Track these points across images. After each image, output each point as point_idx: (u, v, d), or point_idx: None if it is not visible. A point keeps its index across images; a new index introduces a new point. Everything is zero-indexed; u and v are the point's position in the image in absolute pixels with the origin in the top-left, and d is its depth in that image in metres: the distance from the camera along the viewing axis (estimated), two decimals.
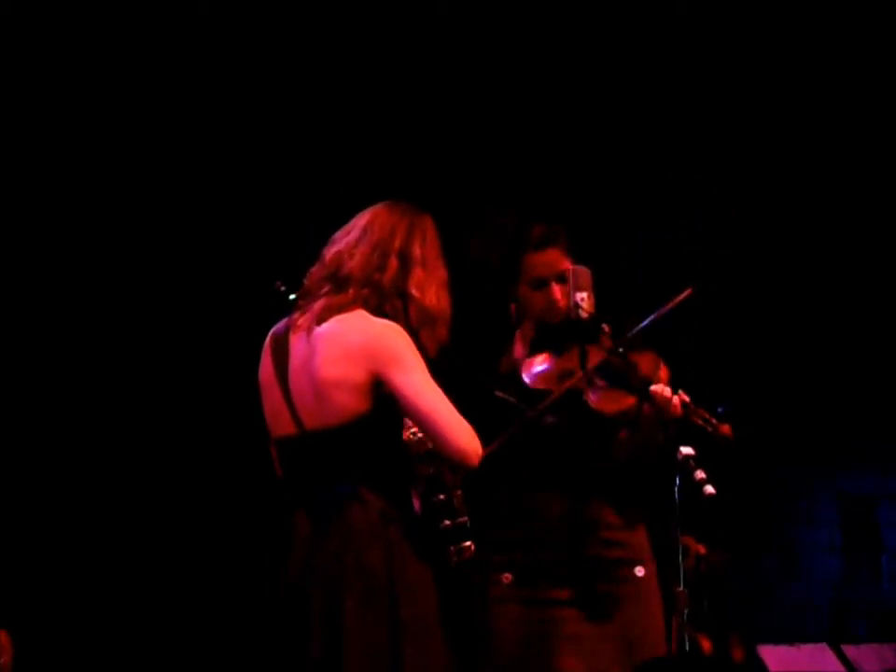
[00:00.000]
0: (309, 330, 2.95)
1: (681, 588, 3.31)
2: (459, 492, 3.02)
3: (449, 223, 3.18)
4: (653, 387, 3.31)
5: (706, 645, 5.00)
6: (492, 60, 5.36)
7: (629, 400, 3.35)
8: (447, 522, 2.99)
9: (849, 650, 5.18)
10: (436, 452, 2.92)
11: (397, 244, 3.01)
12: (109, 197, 5.18)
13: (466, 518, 3.01)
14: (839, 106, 5.69)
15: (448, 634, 2.90)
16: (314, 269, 3.06)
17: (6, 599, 4.81)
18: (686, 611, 3.33)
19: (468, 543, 3.01)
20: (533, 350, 3.52)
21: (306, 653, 2.84)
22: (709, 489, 3.05)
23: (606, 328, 3.39)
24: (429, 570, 2.90)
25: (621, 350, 3.34)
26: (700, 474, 3.08)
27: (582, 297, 3.38)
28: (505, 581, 3.47)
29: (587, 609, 3.41)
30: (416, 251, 3.01)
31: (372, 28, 5.20)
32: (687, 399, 3.28)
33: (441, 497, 3.00)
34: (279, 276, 3.18)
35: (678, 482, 3.22)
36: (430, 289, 3.00)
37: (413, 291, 2.97)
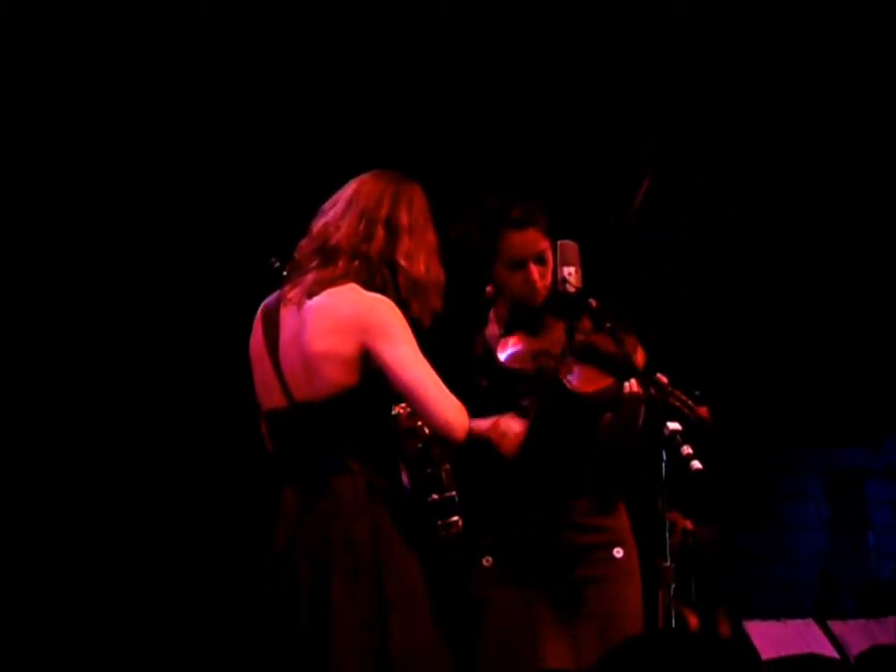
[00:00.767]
0: (299, 304, 2.95)
1: (668, 563, 3.32)
2: (448, 466, 3.02)
3: (438, 207, 3.17)
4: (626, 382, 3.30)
5: (692, 620, 5.00)
6: (490, 56, 5.34)
7: (607, 381, 3.34)
8: (435, 496, 2.99)
9: (836, 625, 5.18)
10: (424, 426, 2.92)
11: (383, 212, 2.99)
12: (99, 174, 5.16)
13: (454, 493, 3.01)
14: (839, 106, 5.70)
15: (435, 608, 2.90)
16: (303, 242, 3.05)
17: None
18: (673, 587, 3.34)
19: (455, 518, 3.00)
20: (508, 330, 3.51)
21: (293, 626, 2.85)
22: (696, 464, 3.04)
23: (593, 303, 3.37)
24: (417, 544, 2.91)
25: (608, 325, 3.34)
26: (687, 449, 3.07)
27: (570, 271, 3.37)
28: (486, 564, 3.46)
29: (567, 591, 3.41)
30: (403, 219, 2.99)
31: (359, 14, 5.18)
32: (665, 380, 3.26)
33: (429, 471, 3.00)
34: (273, 253, 3.17)
35: (665, 457, 3.22)
36: (419, 258, 2.98)
37: (401, 260, 2.96)
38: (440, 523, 3.00)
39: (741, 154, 5.83)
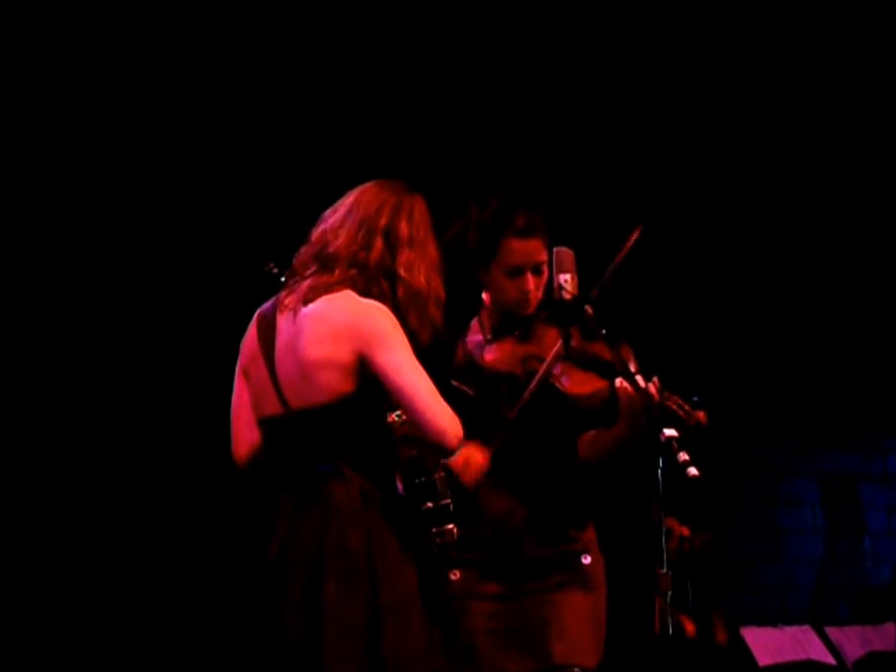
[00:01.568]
0: (295, 310, 2.93)
1: (665, 570, 3.31)
2: (442, 474, 3.01)
3: (440, 213, 3.15)
4: (616, 382, 3.28)
5: (689, 627, 5.01)
6: (489, 56, 5.34)
7: (601, 384, 3.33)
8: (429, 504, 2.98)
9: (833, 632, 5.20)
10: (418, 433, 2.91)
11: (382, 222, 2.97)
12: (99, 178, 5.15)
13: (448, 501, 3.00)
14: (839, 107, 5.70)
15: (428, 615, 2.89)
16: (302, 249, 3.04)
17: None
18: (669, 593, 3.33)
19: (450, 526, 3.00)
20: (496, 336, 3.49)
21: (286, 632, 2.84)
22: (693, 471, 3.03)
23: (589, 310, 3.36)
24: (410, 552, 2.89)
25: (603, 332, 3.32)
26: (683, 456, 3.05)
27: (566, 278, 3.36)
28: (453, 577, 3.44)
29: (536, 600, 3.38)
30: (403, 230, 2.96)
31: (361, 16, 5.17)
32: (658, 384, 3.25)
33: (424, 479, 2.99)
34: (272, 258, 3.16)
35: (661, 463, 3.21)
36: (419, 270, 2.95)
37: (401, 272, 2.94)
38: (434, 530, 2.99)
39: (739, 154, 5.83)
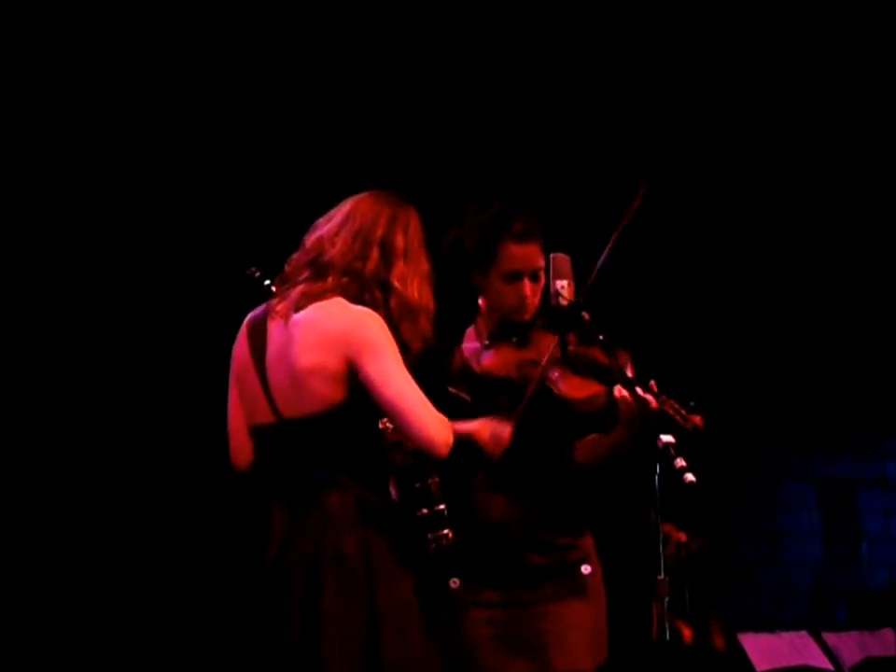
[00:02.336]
0: (287, 317, 2.93)
1: (662, 576, 3.31)
2: (437, 480, 3.01)
3: (435, 216, 3.15)
4: (615, 390, 3.28)
5: (686, 633, 5.01)
6: (488, 59, 5.33)
7: (597, 388, 3.32)
8: (424, 510, 2.98)
9: (830, 637, 5.19)
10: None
11: (379, 233, 2.98)
12: (93, 181, 5.14)
13: (443, 506, 3.00)
14: (838, 107, 5.70)
15: (427, 621, 2.89)
16: (294, 255, 3.04)
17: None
18: (667, 599, 3.33)
19: (445, 531, 3.00)
20: (493, 342, 3.48)
21: (285, 639, 2.84)
22: (690, 477, 3.01)
23: (586, 316, 3.35)
24: (407, 558, 2.89)
25: (601, 337, 3.31)
26: (680, 462, 3.04)
27: (563, 284, 3.35)
28: (453, 585, 3.43)
29: (535, 609, 3.38)
30: (399, 242, 2.98)
31: (358, 18, 5.16)
32: (655, 389, 3.24)
33: (418, 485, 2.99)
34: (254, 262, 3.15)
35: (658, 470, 3.20)
36: (412, 282, 2.97)
37: (395, 282, 2.95)
38: (430, 536, 3.00)
39: (738, 156, 5.83)
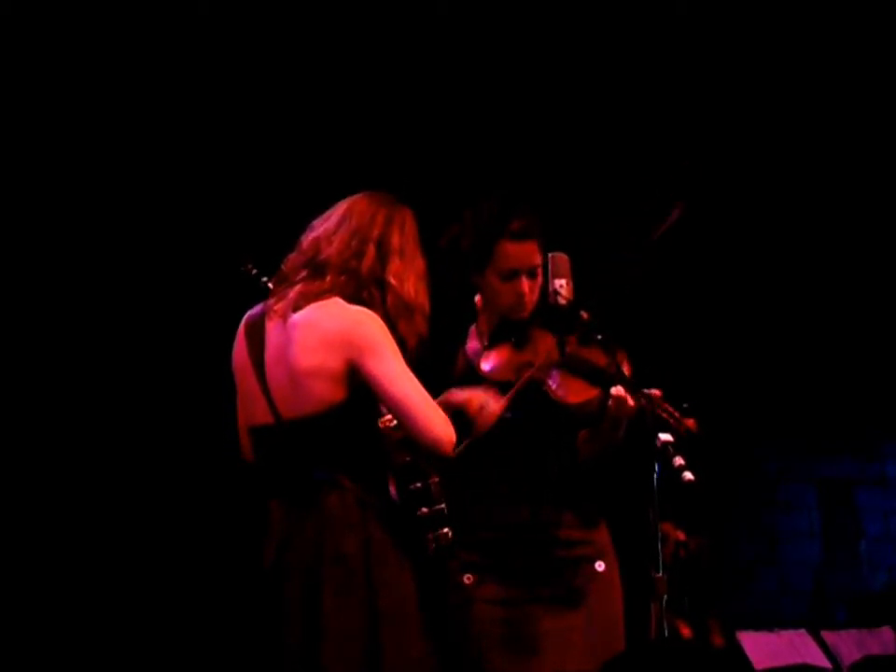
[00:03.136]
0: (285, 317, 2.94)
1: (660, 574, 3.31)
2: (436, 479, 3.02)
3: (434, 216, 3.16)
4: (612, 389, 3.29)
5: (685, 631, 5.01)
6: (487, 59, 5.33)
7: (593, 392, 3.33)
8: (424, 509, 2.99)
9: (829, 636, 5.19)
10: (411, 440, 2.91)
11: (375, 232, 3.00)
12: (89, 180, 5.14)
13: (443, 505, 3.00)
14: (838, 107, 5.70)
15: (427, 621, 2.90)
16: (291, 255, 3.05)
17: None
18: (665, 598, 3.33)
19: (445, 530, 3.00)
20: (492, 343, 3.49)
21: (284, 640, 2.84)
22: (688, 475, 3.02)
23: (584, 315, 3.36)
24: (407, 557, 2.90)
25: (599, 338, 3.32)
26: (679, 461, 3.05)
27: (561, 284, 3.35)
28: (467, 582, 3.44)
29: (550, 607, 3.39)
30: (395, 241, 3.00)
31: (357, 17, 5.17)
32: (656, 392, 3.25)
33: (419, 484, 3.00)
34: (255, 262, 3.16)
35: (656, 468, 3.21)
36: (409, 280, 2.99)
37: (392, 280, 2.97)
38: (430, 535, 3.00)
39: (739, 158, 5.84)
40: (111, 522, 5.13)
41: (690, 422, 3.17)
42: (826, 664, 5.07)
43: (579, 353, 3.36)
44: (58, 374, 5.15)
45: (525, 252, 3.41)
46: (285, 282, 3.01)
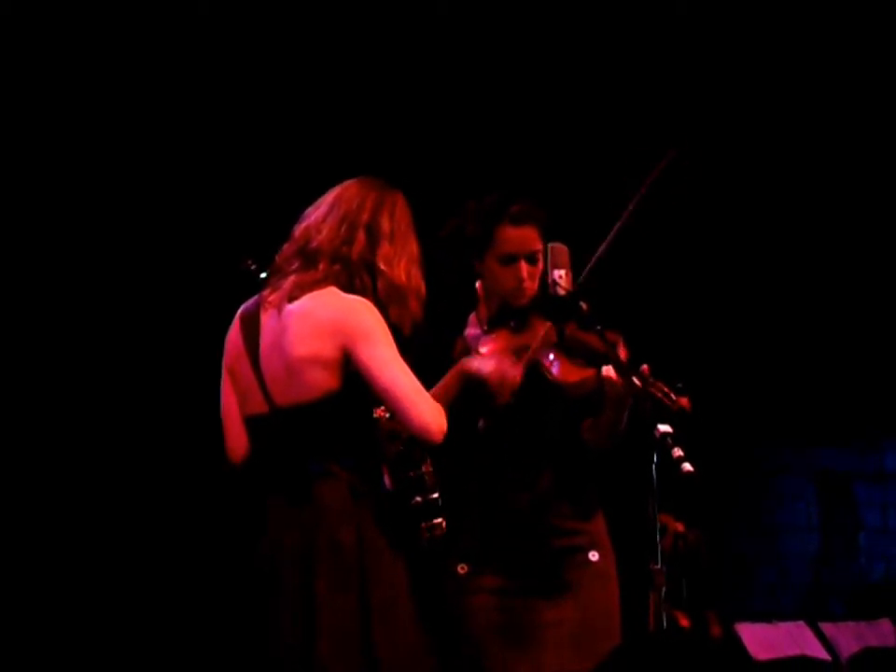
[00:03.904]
0: (280, 308, 2.94)
1: (659, 566, 3.31)
2: (430, 468, 3.01)
3: (433, 211, 3.16)
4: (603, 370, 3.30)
5: (683, 622, 5.00)
6: (487, 55, 5.34)
7: (589, 372, 3.33)
8: (418, 498, 2.99)
9: (828, 627, 5.20)
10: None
11: (365, 217, 2.99)
12: (85, 178, 5.14)
13: (437, 494, 3.00)
14: (838, 107, 5.70)
15: (420, 612, 2.89)
16: (285, 245, 3.05)
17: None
18: (664, 589, 3.33)
19: (439, 520, 3.00)
20: (491, 328, 3.50)
21: (278, 631, 2.83)
22: (687, 467, 3.02)
23: (584, 305, 3.36)
24: (401, 548, 2.90)
25: (598, 328, 3.33)
26: (678, 452, 3.05)
27: (560, 274, 3.36)
28: (461, 571, 3.44)
29: (544, 597, 3.39)
30: (385, 225, 2.99)
31: (356, 16, 5.17)
32: (646, 371, 3.25)
33: (412, 473, 3.00)
34: (249, 255, 3.16)
35: (655, 459, 3.21)
36: (399, 264, 2.97)
37: (381, 265, 2.96)
38: (424, 525, 3.00)
39: (738, 153, 5.84)
40: (106, 517, 5.13)
41: (683, 400, 3.17)
42: (825, 655, 5.08)
43: (576, 335, 3.37)
44: (56, 371, 5.15)
45: (525, 236, 3.43)
46: (279, 273, 3.00)
